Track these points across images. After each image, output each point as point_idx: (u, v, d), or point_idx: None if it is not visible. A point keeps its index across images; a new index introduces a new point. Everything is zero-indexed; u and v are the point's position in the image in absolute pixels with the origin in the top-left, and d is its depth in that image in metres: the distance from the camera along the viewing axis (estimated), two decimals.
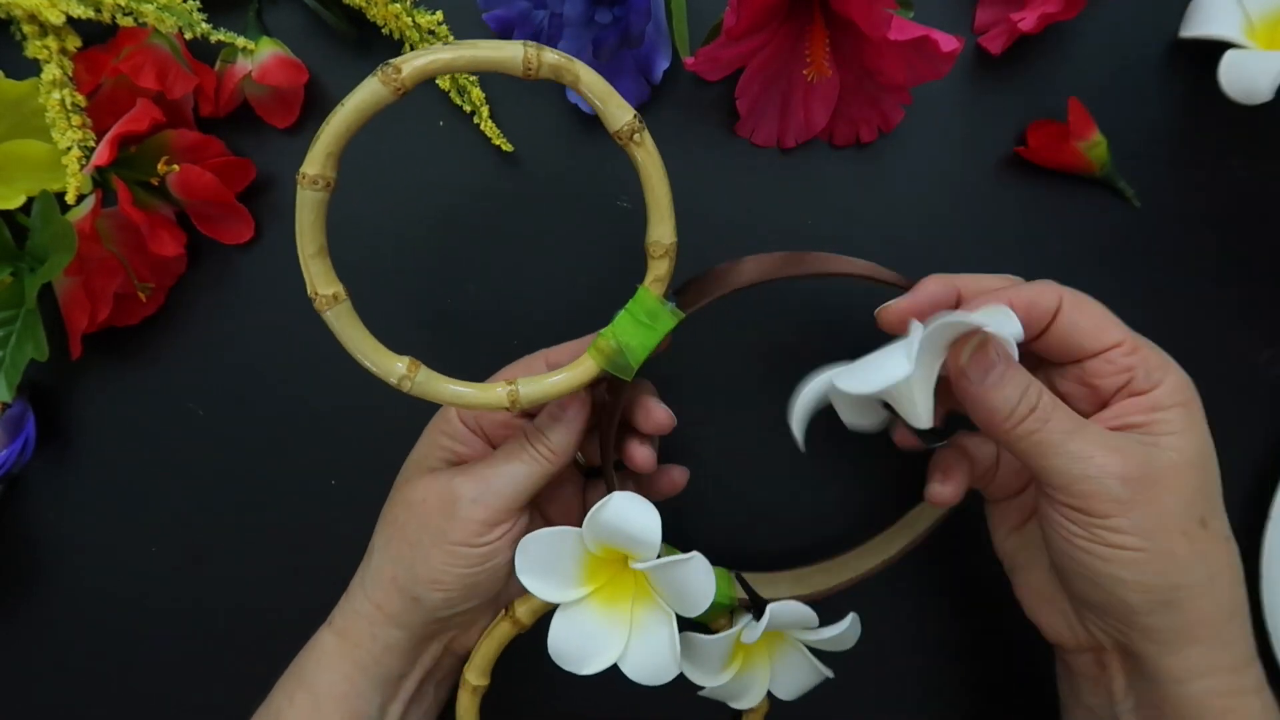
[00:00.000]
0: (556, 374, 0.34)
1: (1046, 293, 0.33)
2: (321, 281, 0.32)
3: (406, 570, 0.36)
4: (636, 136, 0.32)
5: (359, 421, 0.44)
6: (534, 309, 0.43)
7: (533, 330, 0.43)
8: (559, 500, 0.41)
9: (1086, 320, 0.33)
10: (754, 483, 0.44)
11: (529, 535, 0.34)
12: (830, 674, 0.39)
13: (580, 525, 0.40)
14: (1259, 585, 0.43)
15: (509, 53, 0.30)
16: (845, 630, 0.37)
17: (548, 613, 0.37)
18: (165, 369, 0.43)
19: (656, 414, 0.37)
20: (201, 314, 0.43)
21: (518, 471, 0.35)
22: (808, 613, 0.37)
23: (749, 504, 0.45)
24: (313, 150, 0.30)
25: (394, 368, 0.33)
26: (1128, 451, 0.31)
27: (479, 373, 0.40)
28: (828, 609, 0.38)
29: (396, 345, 0.43)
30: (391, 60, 0.30)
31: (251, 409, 0.44)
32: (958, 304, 0.34)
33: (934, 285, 0.34)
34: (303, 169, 0.31)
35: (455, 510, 0.35)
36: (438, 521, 0.35)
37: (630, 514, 0.34)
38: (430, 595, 0.36)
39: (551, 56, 0.30)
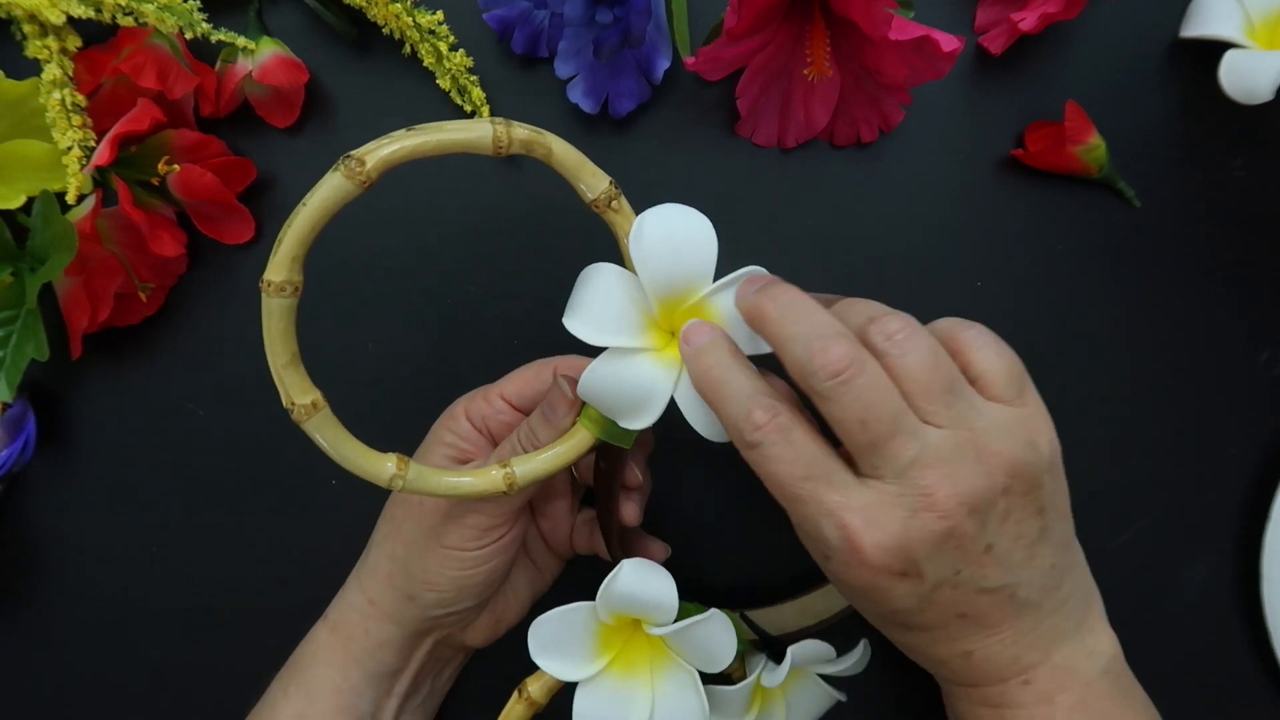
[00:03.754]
0: (551, 449, 0.33)
1: None
2: (297, 391, 0.30)
3: (402, 569, 0.36)
4: (614, 203, 0.31)
5: (359, 422, 0.43)
6: (534, 310, 0.43)
7: (533, 331, 0.43)
8: (551, 515, 0.41)
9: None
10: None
11: (540, 618, 0.34)
12: (844, 697, 0.39)
13: (569, 541, 0.41)
14: (1259, 585, 0.43)
15: (478, 132, 0.29)
16: (857, 660, 0.38)
17: (561, 689, 0.36)
18: (165, 369, 0.43)
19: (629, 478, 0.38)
20: (201, 314, 0.43)
21: None
22: (826, 649, 0.37)
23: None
24: (276, 256, 0.28)
25: (383, 470, 0.32)
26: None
27: (478, 373, 0.40)
28: (835, 632, 0.38)
29: (396, 347, 0.44)
30: (353, 152, 0.28)
31: (251, 409, 0.44)
32: None
33: None
34: (267, 276, 0.29)
35: (452, 512, 0.35)
36: (434, 524, 0.35)
37: (644, 581, 0.34)
38: (425, 595, 0.36)
39: (521, 132, 0.29)
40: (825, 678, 0.39)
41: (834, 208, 0.43)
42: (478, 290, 0.43)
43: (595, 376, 0.31)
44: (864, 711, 0.44)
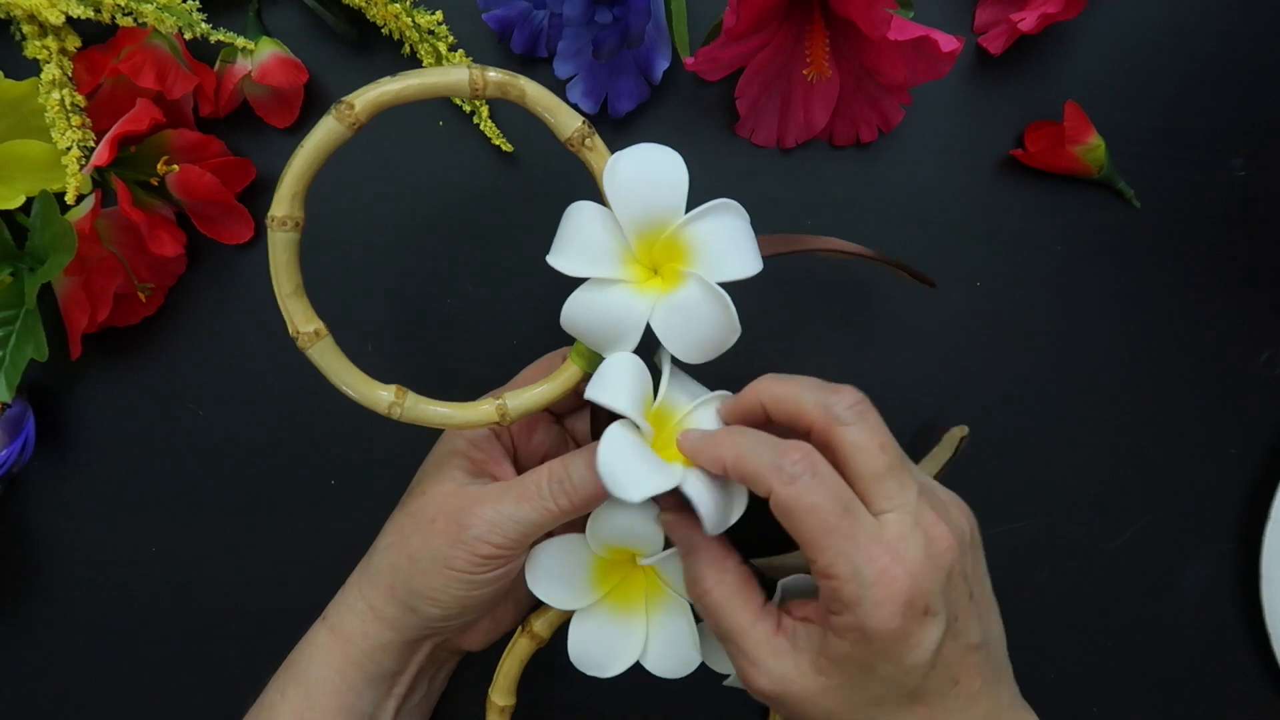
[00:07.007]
0: (542, 383, 0.34)
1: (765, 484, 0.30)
2: (301, 319, 0.33)
3: (405, 582, 0.36)
4: (588, 141, 0.32)
5: (358, 422, 0.43)
6: (534, 310, 0.43)
7: (532, 331, 0.43)
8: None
9: (795, 528, 0.30)
10: None
11: (537, 547, 0.35)
12: None
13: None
14: (1259, 585, 0.43)
15: (455, 76, 0.31)
16: None
17: (565, 624, 0.37)
18: (165, 369, 0.43)
19: None
20: (201, 314, 0.43)
21: (530, 517, 0.34)
22: (814, 582, 0.37)
23: None
24: (279, 193, 0.31)
25: (381, 397, 0.33)
26: (760, 667, 0.31)
27: (478, 373, 0.40)
28: None
29: (395, 346, 0.44)
30: (344, 98, 0.31)
31: (251, 409, 0.44)
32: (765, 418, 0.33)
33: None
34: (271, 212, 0.31)
35: (462, 538, 0.34)
36: (442, 545, 0.35)
37: (626, 513, 0.34)
38: (426, 609, 0.35)
39: (495, 75, 0.31)
40: None
41: (834, 208, 0.43)
42: (478, 290, 0.43)
43: (574, 305, 0.32)
44: None
